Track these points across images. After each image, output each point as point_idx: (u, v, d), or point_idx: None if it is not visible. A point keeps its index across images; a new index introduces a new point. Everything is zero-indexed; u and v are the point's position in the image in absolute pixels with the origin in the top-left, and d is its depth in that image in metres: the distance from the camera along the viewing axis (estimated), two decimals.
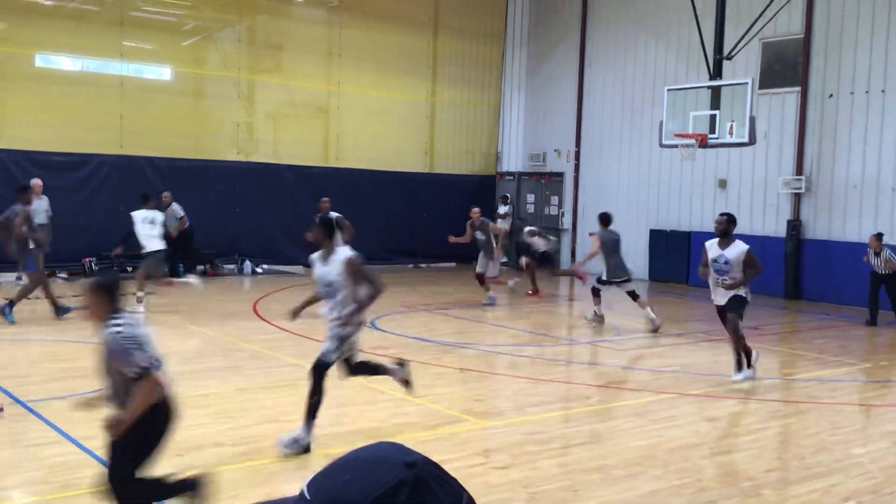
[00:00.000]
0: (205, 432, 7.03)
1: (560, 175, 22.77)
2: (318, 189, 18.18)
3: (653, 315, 12.94)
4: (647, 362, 11.19)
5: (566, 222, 22.55)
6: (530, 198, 23.73)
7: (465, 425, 7.67)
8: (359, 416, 7.76)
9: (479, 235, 15.41)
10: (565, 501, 5.78)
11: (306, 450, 6.50)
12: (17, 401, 7.80)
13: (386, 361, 7.74)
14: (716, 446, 7.40)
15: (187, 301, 14.40)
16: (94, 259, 17.46)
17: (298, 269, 18.76)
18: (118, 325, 4.35)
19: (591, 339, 12.67)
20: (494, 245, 15.28)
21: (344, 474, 1.10)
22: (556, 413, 8.28)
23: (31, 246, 12.24)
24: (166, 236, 14.20)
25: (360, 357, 7.15)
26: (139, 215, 13.26)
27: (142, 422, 4.39)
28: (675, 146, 15.01)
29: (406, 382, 7.56)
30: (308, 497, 1.10)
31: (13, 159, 17.04)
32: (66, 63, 18.44)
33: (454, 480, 1.12)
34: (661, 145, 15.54)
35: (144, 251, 13.24)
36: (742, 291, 9.36)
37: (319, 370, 6.64)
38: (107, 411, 4.55)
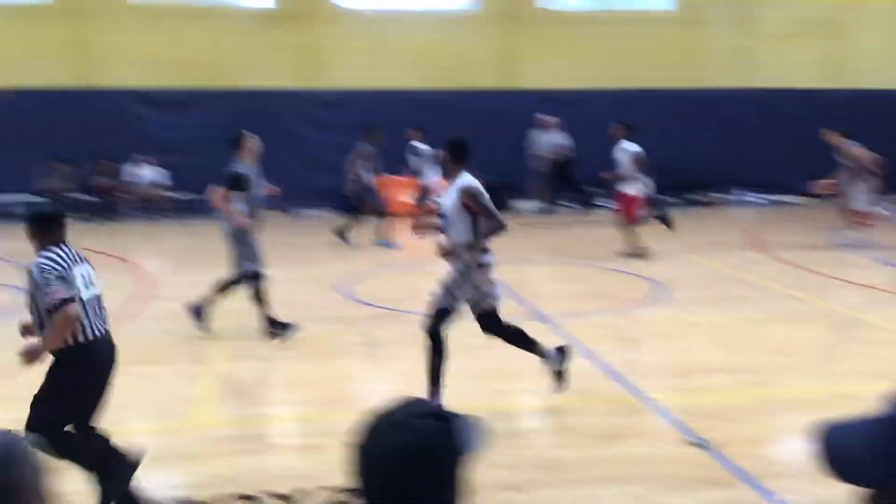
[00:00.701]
0: (707, 359, 7.24)
1: None
2: (827, 116, 16.77)
3: None
4: None
5: None
6: None
7: None
8: None
9: None
10: None
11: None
12: (539, 316, 8.77)
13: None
14: None
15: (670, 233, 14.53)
16: None
17: (799, 199, 17.82)
18: (46, 256, 4.24)
19: None
20: None
21: None
22: None
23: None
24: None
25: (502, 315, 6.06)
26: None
27: (59, 364, 4.26)
28: None
29: (559, 375, 6.16)
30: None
31: (540, 98, 18.52)
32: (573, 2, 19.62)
33: None
34: None
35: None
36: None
37: (433, 324, 5.89)
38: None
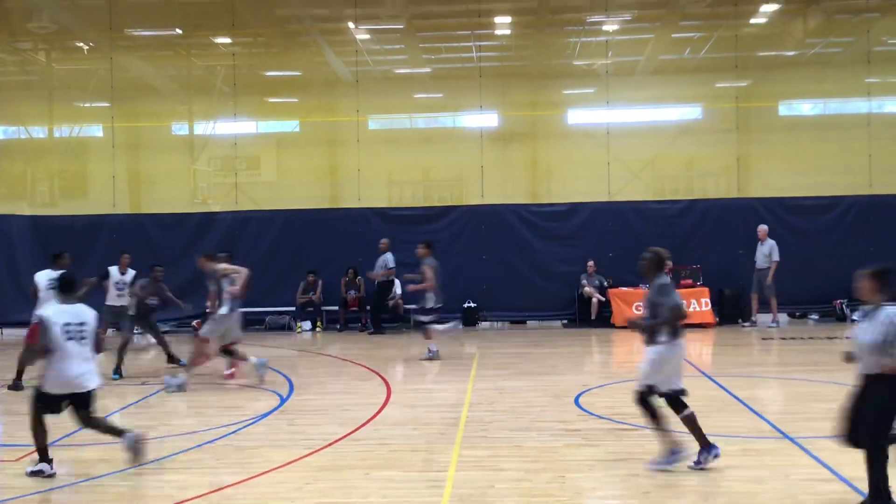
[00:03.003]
0: None
1: None
2: None
3: None
4: None
5: None
6: None
7: None
8: None
9: None
10: None
11: None
12: (785, 435, 8.25)
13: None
14: None
15: None
16: (846, 301, 17.34)
17: None
18: None
19: None
20: None
21: None
22: None
23: None
24: None
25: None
26: None
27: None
28: None
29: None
30: None
31: (766, 207, 18.01)
32: (807, 108, 19.01)
33: None
34: None
35: None
36: None
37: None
38: None
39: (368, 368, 13.16)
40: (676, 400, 7.16)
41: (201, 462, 7.76)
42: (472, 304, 18.23)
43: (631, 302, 17.23)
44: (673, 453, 7.13)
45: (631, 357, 15.00)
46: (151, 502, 6.72)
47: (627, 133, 18.86)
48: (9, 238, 17.39)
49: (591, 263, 17.84)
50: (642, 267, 7.33)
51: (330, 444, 8.30)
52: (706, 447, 7.14)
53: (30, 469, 7.37)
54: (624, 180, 18.43)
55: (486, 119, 19.46)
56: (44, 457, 7.32)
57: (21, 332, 13.43)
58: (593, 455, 7.86)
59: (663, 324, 7.04)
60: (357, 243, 18.34)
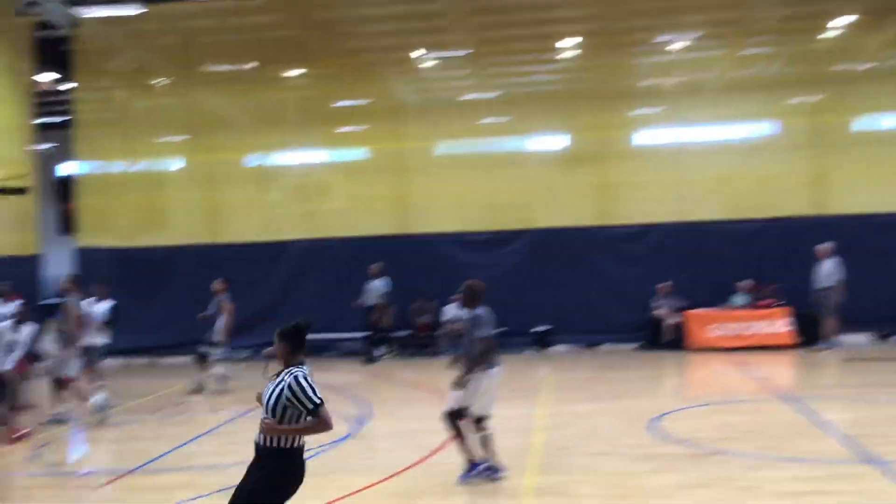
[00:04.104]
0: None
1: None
2: None
3: None
4: None
5: None
6: None
7: None
8: None
9: None
10: None
11: None
12: (870, 461, 7.96)
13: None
14: None
15: None
16: None
17: None
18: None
19: None
20: None
21: None
22: None
23: None
24: None
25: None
26: None
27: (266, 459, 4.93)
28: None
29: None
30: None
31: (845, 224, 17.39)
32: (886, 122, 18.47)
33: None
34: None
35: None
36: None
37: None
38: None
39: (439, 394, 13.16)
40: (480, 420, 7.78)
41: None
42: (543, 329, 18.10)
43: (706, 323, 16.88)
44: (474, 467, 7.75)
45: (707, 381, 14.74)
46: None
47: (698, 152, 18.55)
48: (93, 270, 17.96)
49: (663, 285, 17.55)
50: (461, 298, 7.90)
51: (405, 470, 8.33)
52: (477, 464, 7.78)
53: None
54: (696, 200, 18.12)
55: (554, 141, 19.40)
56: None
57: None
58: (675, 481, 7.70)
59: (475, 358, 7.64)
60: (428, 269, 18.42)
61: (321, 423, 4.89)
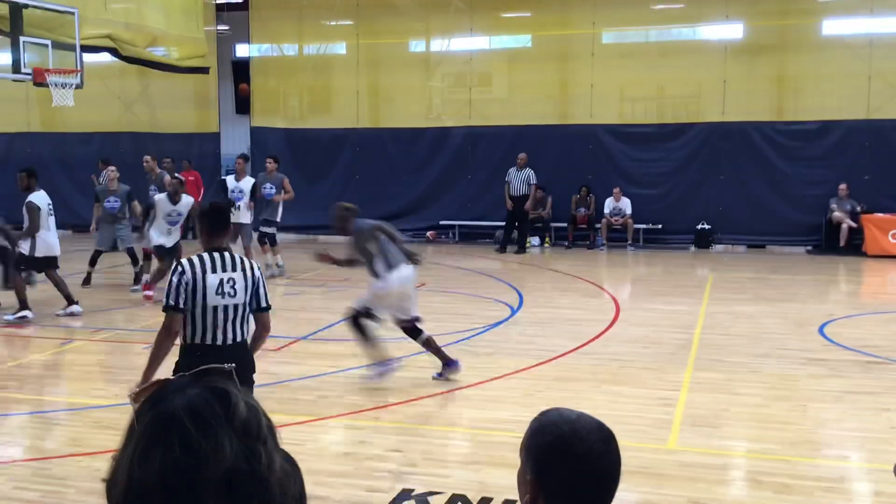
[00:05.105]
0: None
1: None
2: None
3: None
4: None
5: None
6: None
7: None
8: None
9: None
10: None
11: None
12: None
13: None
14: None
15: None
16: None
17: None
18: None
19: None
20: None
21: None
22: None
23: None
24: None
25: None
26: None
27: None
28: None
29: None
30: None
31: None
32: None
33: None
34: None
35: None
36: None
37: None
38: None
39: (596, 285, 13.13)
40: (413, 328, 7.49)
41: (437, 364, 8.13)
42: (706, 227, 17.52)
43: (887, 229, 15.85)
44: (385, 363, 7.39)
45: (884, 288, 13.97)
46: (392, 395, 7.17)
47: (894, 44, 16.98)
48: (265, 149, 18.75)
49: (842, 186, 16.49)
50: (336, 224, 7.56)
51: (560, 356, 8.43)
52: (448, 363, 7.45)
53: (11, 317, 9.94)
54: (886, 97, 16.71)
55: (731, 30, 18.19)
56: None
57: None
58: (839, 386, 7.43)
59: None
60: (588, 160, 18.10)
61: (161, 328, 4.67)
